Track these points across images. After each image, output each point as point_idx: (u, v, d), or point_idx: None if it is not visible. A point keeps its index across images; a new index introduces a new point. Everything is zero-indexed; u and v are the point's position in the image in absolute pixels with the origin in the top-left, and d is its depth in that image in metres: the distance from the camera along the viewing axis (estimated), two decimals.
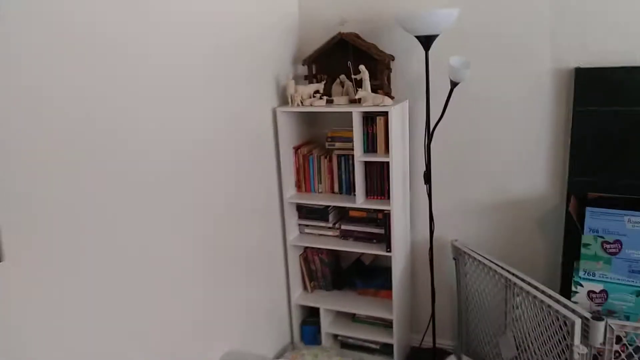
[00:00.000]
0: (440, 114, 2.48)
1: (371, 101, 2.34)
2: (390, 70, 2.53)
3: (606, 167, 2.22)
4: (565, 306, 1.90)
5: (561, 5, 2.20)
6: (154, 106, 1.72)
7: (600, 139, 2.21)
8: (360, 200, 2.45)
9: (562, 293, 2.38)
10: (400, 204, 2.50)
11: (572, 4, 2.19)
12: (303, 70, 2.72)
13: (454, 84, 2.10)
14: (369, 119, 2.42)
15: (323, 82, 2.52)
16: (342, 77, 2.56)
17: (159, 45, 1.73)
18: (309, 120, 2.77)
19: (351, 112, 2.41)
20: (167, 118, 1.79)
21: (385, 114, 2.39)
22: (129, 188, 1.63)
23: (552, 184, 2.39)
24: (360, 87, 2.42)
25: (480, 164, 2.50)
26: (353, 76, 2.46)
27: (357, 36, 2.51)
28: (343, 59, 2.53)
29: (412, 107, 2.57)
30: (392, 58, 2.51)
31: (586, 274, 2.12)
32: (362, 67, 2.37)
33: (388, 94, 2.49)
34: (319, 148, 2.69)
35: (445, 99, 2.31)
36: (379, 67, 2.45)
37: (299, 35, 2.71)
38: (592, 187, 2.27)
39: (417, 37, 2.19)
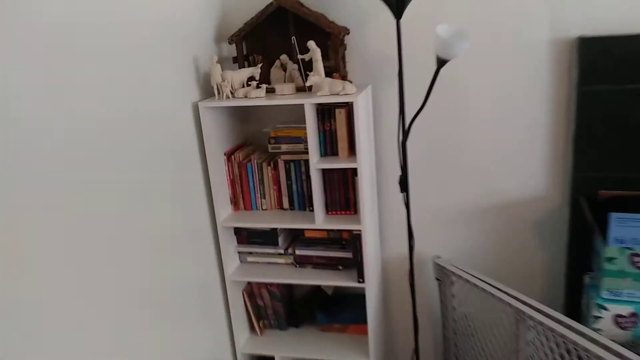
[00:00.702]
0: (418, 103, 1.96)
1: (328, 89, 1.76)
2: (345, 47, 1.96)
3: (619, 159, 1.80)
4: (607, 348, 1.46)
5: None
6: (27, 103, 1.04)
7: (611, 124, 1.78)
8: (320, 218, 1.88)
9: (568, 314, 1.97)
10: (372, 220, 1.96)
11: None
12: (231, 50, 2.08)
13: (441, 62, 1.57)
14: (324, 112, 1.84)
15: (259, 66, 1.90)
16: (284, 58, 1.95)
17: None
18: (242, 115, 2.14)
19: (300, 105, 1.81)
20: (53, 117, 1.11)
21: (346, 106, 1.82)
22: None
23: (552, 182, 1.94)
24: (310, 70, 1.83)
25: (465, 161, 2.00)
26: (299, 56, 1.86)
27: (299, 4, 1.91)
28: (283, 34, 1.92)
29: (375, 95, 2.01)
30: (347, 31, 1.94)
31: (611, 295, 1.70)
32: (311, 44, 1.78)
33: (345, 77, 1.92)
34: (259, 152, 2.07)
35: (429, 83, 1.79)
36: (332, 44, 1.87)
37: (223, 3, 2.05)
38: (601, 184, 1.84)
39: (386, 1, 1.63)
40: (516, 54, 1.84)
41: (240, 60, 1.96)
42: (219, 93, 1.85)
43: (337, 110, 1.82)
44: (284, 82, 1.95)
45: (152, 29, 1.60)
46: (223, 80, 1.84)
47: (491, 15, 1.83)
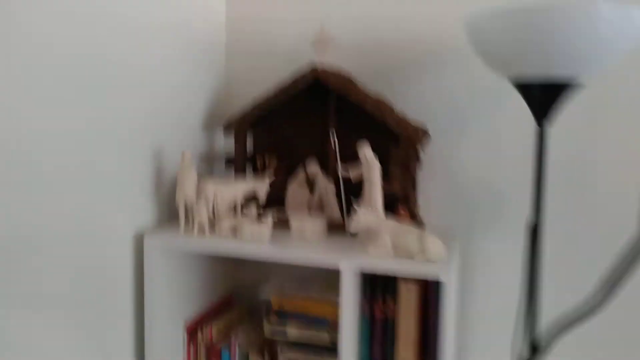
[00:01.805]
0: (554, 287, 1.07)
1: (390, 244, 0.89)
2: (419, 161, 1.12)
3: None
4: None
5: None
6: None
7: None
8: None
9: None
10: None
11: None
12: (226, 144, 1.28)
13: None
14: (378, 284, 0.96)
15: (267, 180, 1.07)
16: (313, 168, 1.11)
17: None
18: (224, 258, 1.27)
19: (337, 269, 0.94)
20: None
21: (420, 282, 0.95)
22: None
23: None
24: (357, 195, 0.98)
25: None
26: (340, 171, 1.02)
27: (351, 82, 1.10)
28: (316, 124, 1.11)
29: (464, 256, 1.13)
30: (427, 135, 1.11)
31: None
32: (367, 152, 0.95)
33: (415, 216, 1.05)
34: (249, 325, 1.18)
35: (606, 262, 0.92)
36: (401, 155, 1.03)
37: (226, 69, 1.27)
38: None
39: (525, 89, 0.80)
40: None
41: (239, 163, 1.14)
42: (187, 221, 1.01)
43: (402, 284, 0.93)
44: (309, 209, 1.10)
45: (96, 101, 0.81)
46: (199, 196, 1.00)
47: None
